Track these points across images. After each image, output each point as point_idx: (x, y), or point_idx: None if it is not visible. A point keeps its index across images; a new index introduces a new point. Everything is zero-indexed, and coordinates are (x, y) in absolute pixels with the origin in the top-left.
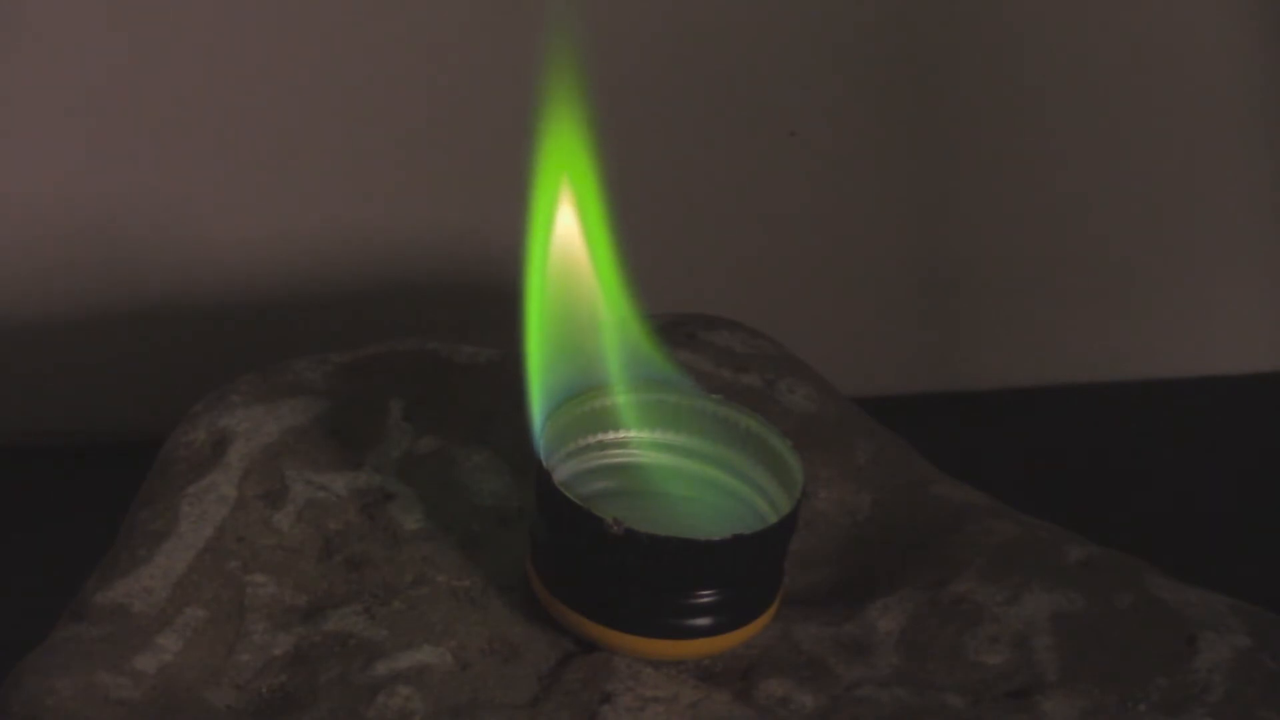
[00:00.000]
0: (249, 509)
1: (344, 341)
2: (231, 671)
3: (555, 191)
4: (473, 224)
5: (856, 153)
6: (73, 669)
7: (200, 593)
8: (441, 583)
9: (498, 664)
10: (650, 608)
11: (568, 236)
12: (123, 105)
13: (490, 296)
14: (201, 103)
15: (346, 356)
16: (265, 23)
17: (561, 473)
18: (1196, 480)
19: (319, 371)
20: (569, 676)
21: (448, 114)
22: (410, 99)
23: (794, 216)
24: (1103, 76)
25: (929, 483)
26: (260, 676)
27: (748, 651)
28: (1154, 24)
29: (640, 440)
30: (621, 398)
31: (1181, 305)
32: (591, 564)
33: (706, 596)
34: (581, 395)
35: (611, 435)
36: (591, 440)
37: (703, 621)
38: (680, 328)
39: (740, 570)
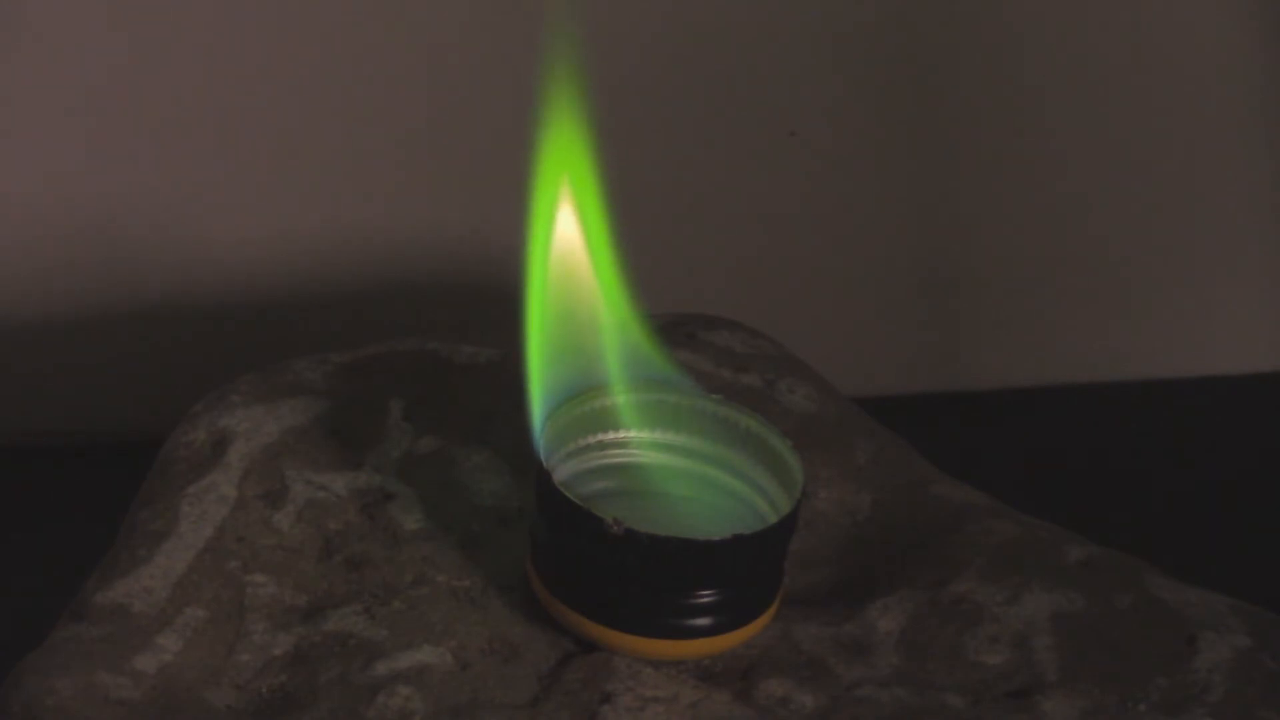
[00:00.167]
0: (249, 509)
1: (344, 341)
2: (231, 671)
3: (555, 192)
4: (473, 224)
5: (856, 153)
6: (73, 669)
7: (200, 593)
8: (441, 583)
9: (498, 664)
10: (650, 608)
11: (568, 237)
12: (123, 105)
13: (490, 296)
14: (201, 103)
15: (346, 356)
16: (265, 23)
17: (561, 473)
18: (1196, 480)
19: (319, 371)
20: (569, 676)
21: (448, 114)
22: (410, 99)
23: (794, 216)
24: (1103, 76)
25: (929, 483)
26: (260, 676)
27: (748, 651)
28: (1154, 24)
29: (640, 440)
30: (621, 398)
31: (1181, 305)
32: (591, 564)
33: (706, 596)
34: (581, 395)
35: (611, 435)
36: (591, 440)
37: (703, 621)
38: (680, 328)
39: (740, 570)
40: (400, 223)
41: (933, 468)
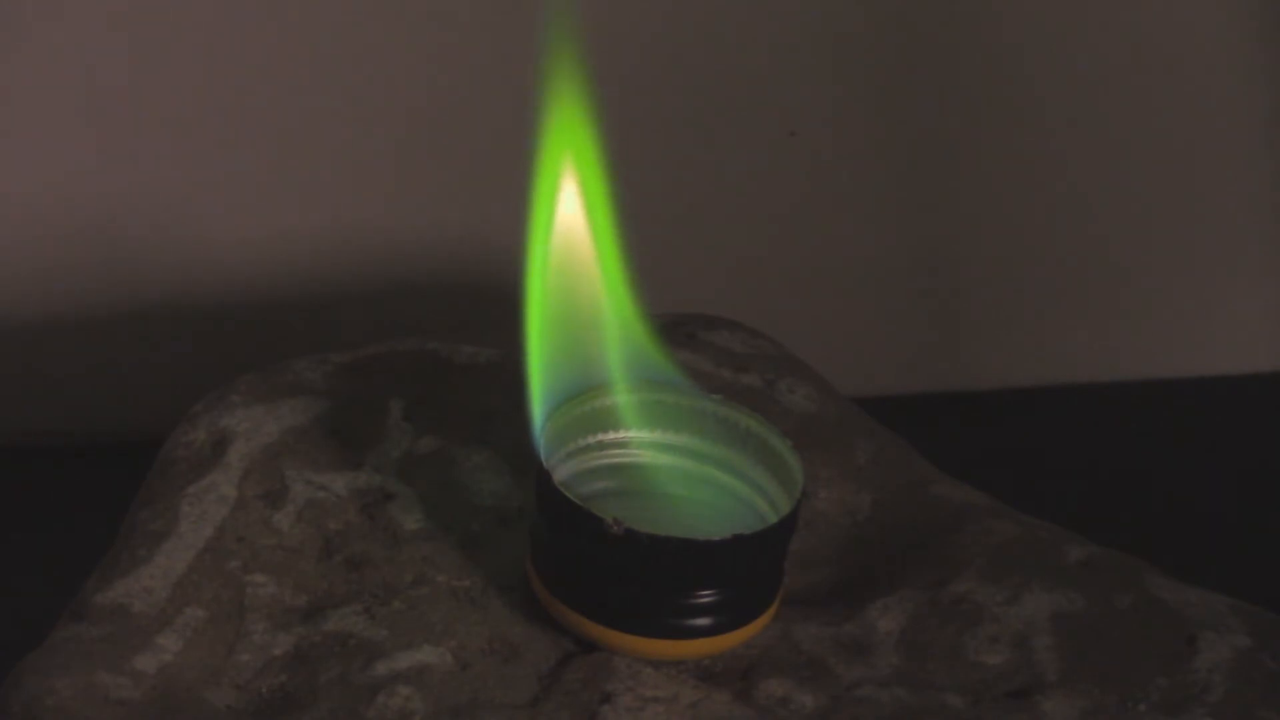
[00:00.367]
0: (249, 509)
1: (344, 341)
2: (231, 671)
3: (556, 191)
4: (473, 224)
5: (856, 153)
6: (73, 669)
7: (200, 593)
8: (441, 583)
9: (498, 664)
10: (650, 608)
11: (569, 236)
12: (123, 106)
13: (490, 296)
14: (201, 103)
15: (346, 356)
16: (265, 23)
17: (561, 473)
18: (1196, 480)
19: (319, 371)
20: (569, 676)
21: (448, 114)
22: (410, 99)
23: (794, 216)
24: (1103, 77)
25: (929, 483)
26: (260, 676)
27: (748, 651)
28: (1154, 24)
29: (640, 440)
30: (621, 398)
31: (1181, 305)
32: (591, 564)
33: (706, 596)
34: (581, 395)
35: (611, 435)
36: (591, 440)
37: (703, 621)
38: (680, 328)
39: (740, 570)
40: (400, 223)
41: (933, 468)
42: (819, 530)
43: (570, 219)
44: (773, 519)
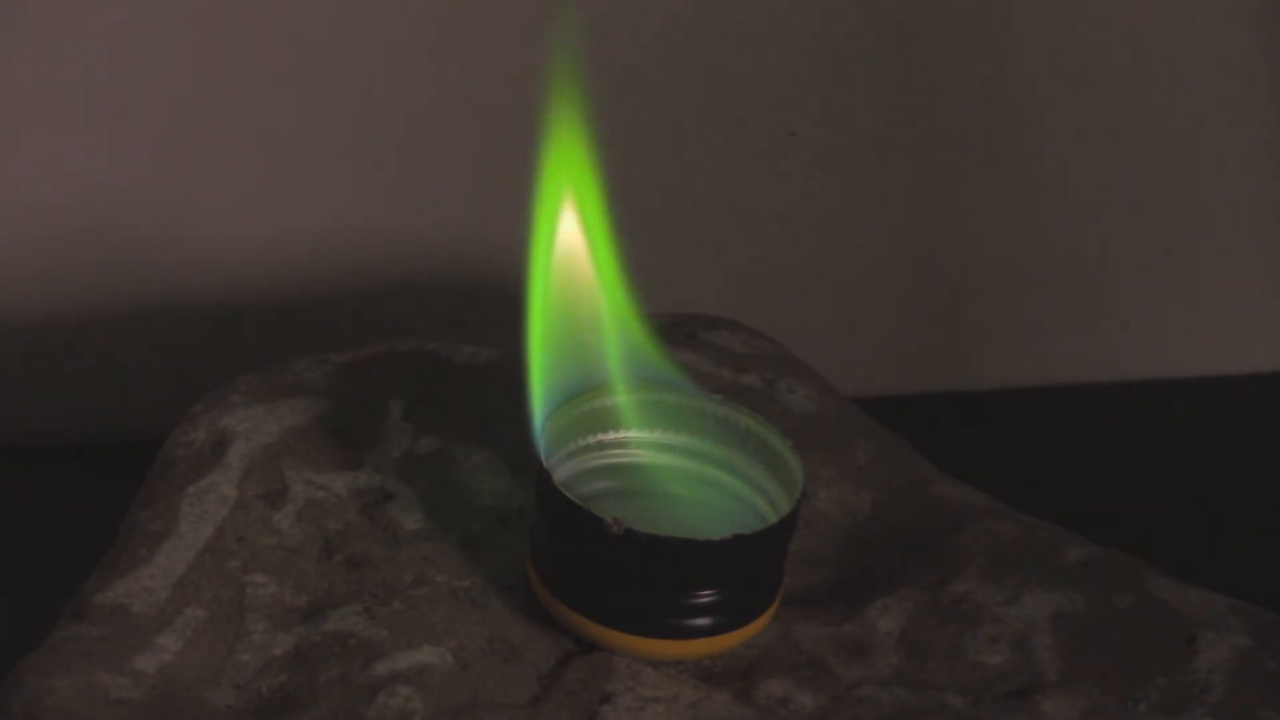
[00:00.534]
0: (249, 509)
1: (344, 341)
2: (231, 671)
3: (557, 191)
4: (473, 224)
5: (856, 153)
6: (73, 669)
7: (200, 593)
8: (441, 583)
9: (498, 664)
10: (650, 608)
11: (569, 236)
12: (123, 105)
13: (490, 296)
14: (201, 103)
15: (346, 356)
16: (265, 23)
17: (561, 473)
18: (1196, 480)
19: (319, 371)
20: (569, 676)
21: (447, 114)
22: (410, 99)
23: (794, 216)
24: (1103, 77)
25: (929, 483)
26: (260, 676)
27: (748, 651)
28: (1154, 24)
29: (640, 440)
30: (621, 398)
31: (1181, 305)
32: (591, 564)
33: (706, 596)
34: (581, 395)
35: (611, 435)
36: (591, 440)
37: (703, 621)
38: (680, 328)
39: (740, 570)
40: (400, 223)
41: (933, 468)
42: (819, 530)
43: (571, 221)
44: (773, 519)
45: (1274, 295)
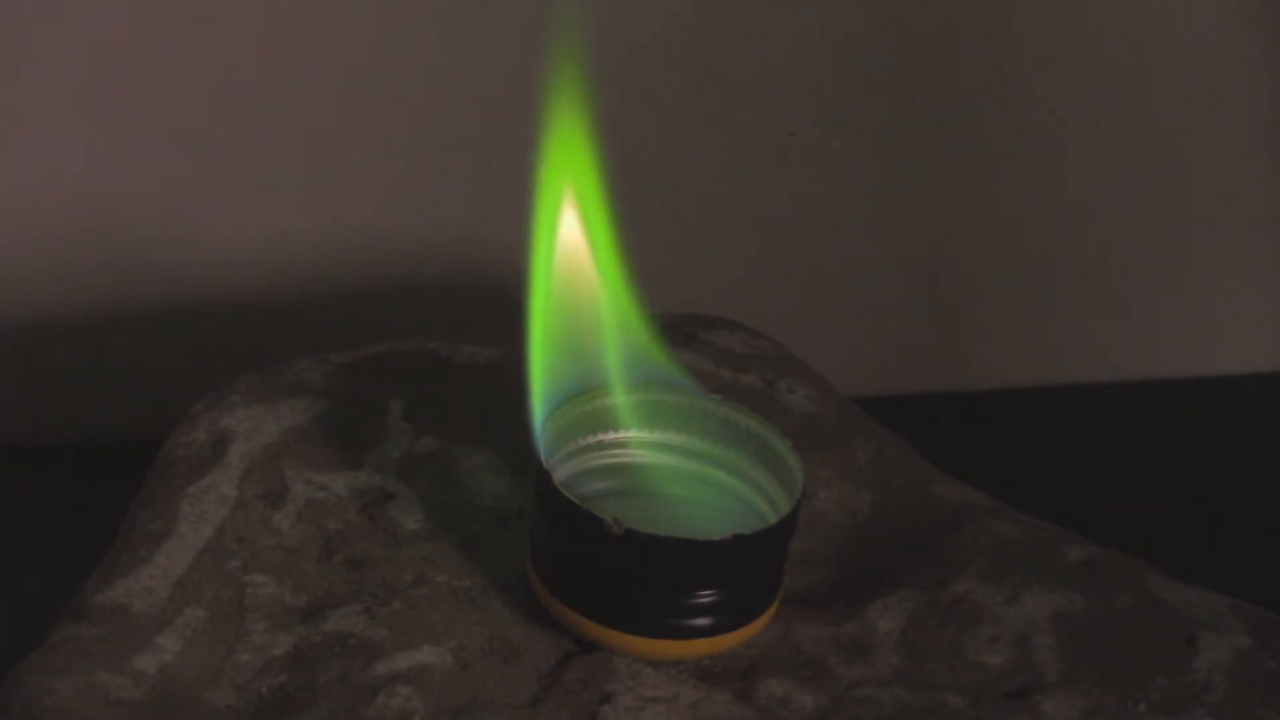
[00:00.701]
0: (249, 509)
1: (344, 341)
2: (231, 671)
3: (558, 192)
4: (473, 224)
5: (856, 153)
6: (73, 669)
7: (200, 593)
8: (441, 583)
9: (498, 664)
10: (650, 608)
11: (570, 236)
12: (122, 105)
13: (490, 296)
14: (201, 103)
15: (346, 356)
16: (265, 23)
17: (561, 473)
18: (1196, 480)
19: (319, 371)
20: (569, 676)
21: (447, 114)
22: (410, 99)
23: (794, 216)
24: (1103, 77)
25: (929, 483)
26: (260, 676)
27: (748, 651)
28: (1154, 24)
29: (640, 440)
30: (621, 398)
31: (1181, 305)
32: (591, 564)
33: (706, 596)
34: (582, 395)
35: (611, 435)
36: (591, 440)
37: (703, 621)
38: (680, 328)
39: (740, 570)
40: (400, 223)
41: (933, 468)
42: (819, 530)
43: (572, 220)
44: (773, 519)
45: (1274, 295)
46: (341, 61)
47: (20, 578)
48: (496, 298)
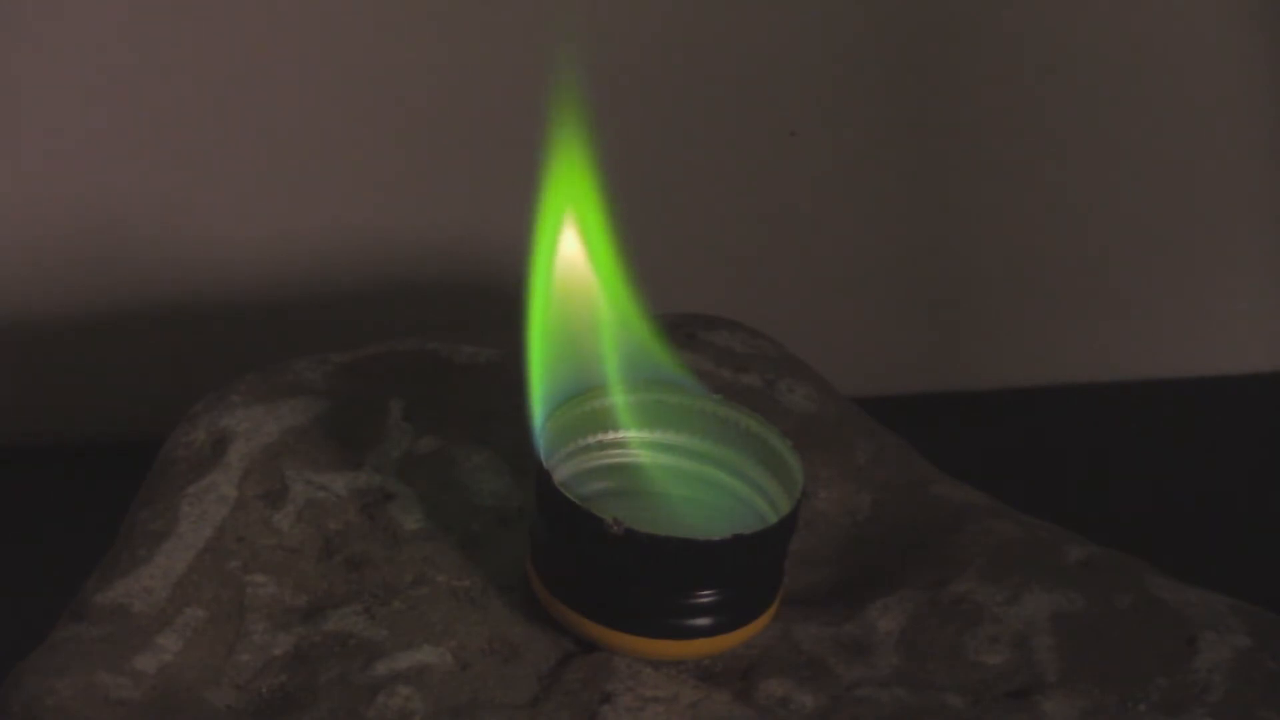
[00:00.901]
0: (249, 509)
1: (344, 341)
2: (231, 671)
3: (559, 192)
4: (473, 224)
5: (856, 153)
6: (73, 669)
7: (200, 593)
8: (441, 583)
9: (498, 664)
10: (650, 608)
11: (570, 237)
12: (124, 105)
13: (490, 296)
14: (202, 103)
15: (346, 356)
16: (266, 23)
17: (561, 473)
18: (1196, 480)
19: (319, 371)
20: (569, 676)
21: (448, 114)
22: (410, 99)
23: (794, 216)
24: (1103, 77)
25: (929, 483)
26: (260, 676)
27: (748, 651)
28: (1154, 24)
29: (640, 440)
30: (621, 398)
31: (1181, 305)
32: (591, 564)
33: (706, 596)
34: (582, 395)
35: (611, 435)
36: (591, 440)
37: (703, 621)
38: (680, 328)
39: (740, 570)
40: (400, 223)
41: (933, 468)
42: (819, 530)
43: (572, 221)
44: (773, 519)
45: (1274, 295)
46: (341, 61)
47: (20, 578)
48: (496, 298)
